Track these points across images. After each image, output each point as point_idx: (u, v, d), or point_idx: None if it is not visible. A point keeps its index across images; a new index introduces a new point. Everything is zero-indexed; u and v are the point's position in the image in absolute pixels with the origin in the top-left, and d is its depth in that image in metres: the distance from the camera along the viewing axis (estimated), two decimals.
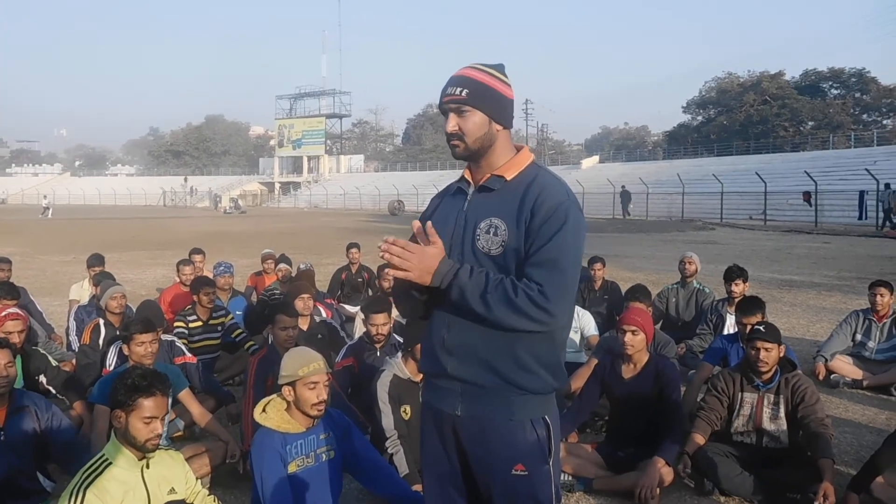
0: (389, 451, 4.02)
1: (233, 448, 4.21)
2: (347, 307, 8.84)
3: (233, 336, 6.68)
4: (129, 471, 2.84)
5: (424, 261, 2.00)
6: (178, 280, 8.02)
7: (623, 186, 41.18)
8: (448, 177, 65.04)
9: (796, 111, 59.29)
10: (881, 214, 27.46)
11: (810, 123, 59.96)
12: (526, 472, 2.10)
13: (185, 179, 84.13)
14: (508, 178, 2.14)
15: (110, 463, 2.83)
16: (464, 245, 2.13)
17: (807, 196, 30.87)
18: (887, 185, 26.96)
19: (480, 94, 2.10)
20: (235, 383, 6.37)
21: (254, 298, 8.70)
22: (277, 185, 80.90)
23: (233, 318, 6.91)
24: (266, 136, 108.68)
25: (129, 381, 2.87)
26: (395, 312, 6.32)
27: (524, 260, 2.04)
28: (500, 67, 2.18)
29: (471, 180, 2.23)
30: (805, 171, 32.03)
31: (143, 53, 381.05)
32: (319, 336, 6.14)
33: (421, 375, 4.09)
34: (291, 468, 3.27)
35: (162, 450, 2.98)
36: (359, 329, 6.48)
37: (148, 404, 2.82)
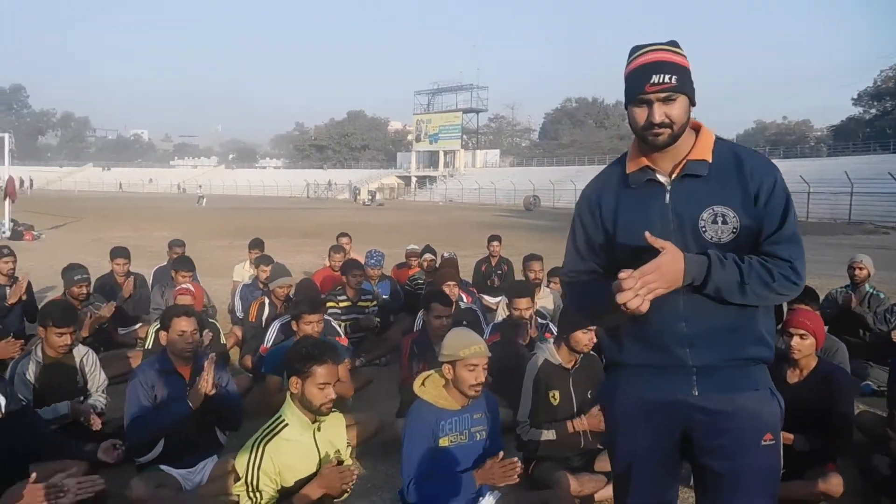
0: (519, 431, 4.13)
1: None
2: (487, 298, 8.99)
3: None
4: (302, 431, 3.10)
5: (667, 273, 1.97)
6: (327, 264, 8.52)
7: None
8: (586, 172, 63.84)
9: None
10: None
11: None
12: (773, 441, 2.15)
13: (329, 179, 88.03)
14: (711, 161, 2.12)
15: (286, 424, 3.10)
16: (685, 239, 2.09)
17: None
18: None
19: (686, 79, 2.08)
20: (381, 364, 6.69)
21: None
22: (414, 179, 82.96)
23: (376, 304, 7.26)
24: (404, 131, 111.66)
25: (303, 350, 3.12)
26: (538, 298, 6.42)
27: (763, 239, 2.07)
28: (677, 45, 2.15)
29: (657, 168, 2.17)
30: None
31: (289, 53, 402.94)
32: (464, 322, 6.29)
33: (573, 361, 4.13)
34: (443, 442, 3.41)
35: (332, 413, 3.21)
36: (500, 318, 6.60)
37: (321, 371, 3.05)
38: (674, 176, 2.15)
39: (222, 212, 39.84)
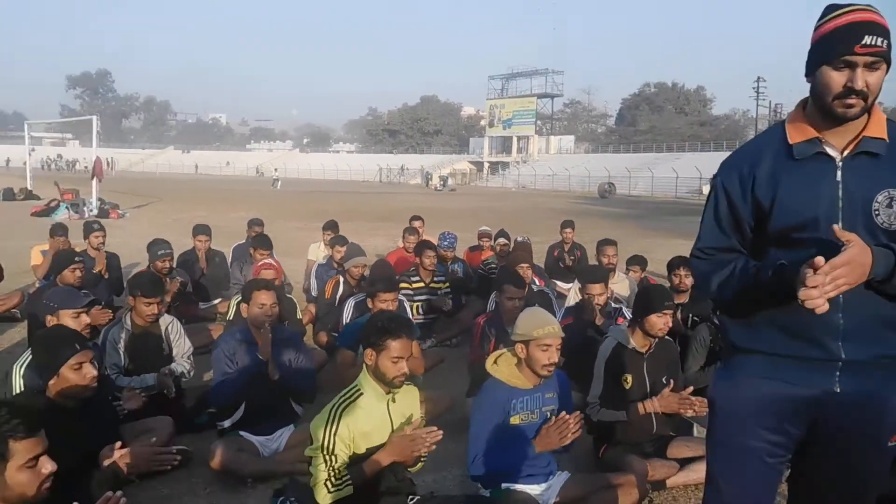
0: (588, 412, 4.12)
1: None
2: (560, 284, 8.97)
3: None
4: (377, 402, 3.21)
5: (856, 269, 1.83)
6: (401, 245, 8.67)
7: None
8: (664, 160, 62.49)
9: None
10: None
11: None
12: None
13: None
14: (888, 140, 1.99)
15: (362, 393, 3.22)
16: (853, 221, 1.96)
17: None
18: None
19: (891, 46, 1.93)
20: (452, 345, 6.79)
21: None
22: (486, 165, 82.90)
23: (448, 286, 7.35)
24: (477, 117, 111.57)
25: (379, 324, 3.22)
26: (613, 284, 6.39)
27: None
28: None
29: (827, 141, 2.02)
30: None
31: (364, 37, 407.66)
32: (536, 305, 6.34)
33: (647, 346, 4.11)
34: (514, 420, 3.47)
35: (406, 385, 3.31)
36: (572, 303, 6.59)
37: (395, 345, 3.14)
38: (846, 152, 2.00)
39: (297, 195, 40.85)
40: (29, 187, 28.41)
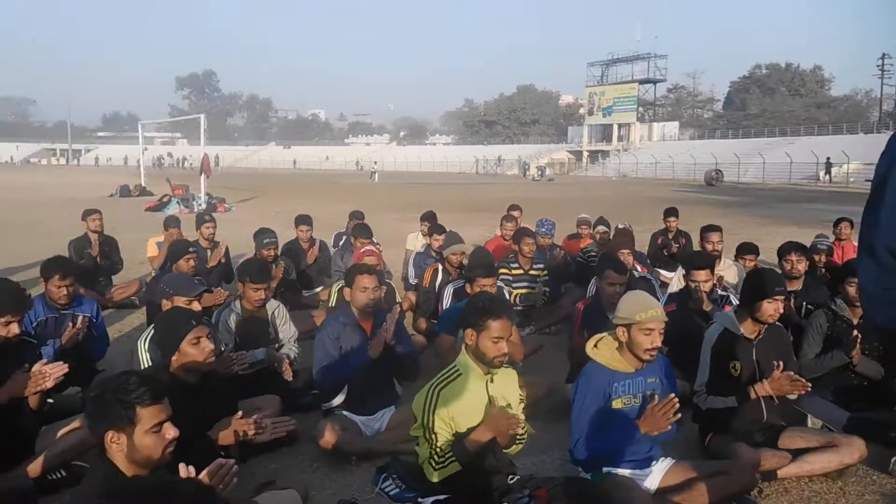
0: (696, 400, 4.06)
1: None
2: (663, 273, 8.78)
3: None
4: (475, 382, 3.29)
5: None
6: (499, 234, 8.74)
7: None
8: (777, 145, 59.64)
9: None
10: None
11: None
12: None
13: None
14: None
15: (460, 374, 3.30)
16: None
17: None
18: None
19: None
20: (552, 333, 6.79)
21: None
22: (585, 154, 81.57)
23: (547, 274, 7.34)
24: (575, 105, 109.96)
25: (480, 304, 3.29)
26: (720, 270, 6.22)
27: None
28: None
29: None
30: None
31: (458, 27, 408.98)
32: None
33: (756, 332, 3.99)
34: (616, 404, 3.46)
35: (505, 367, 3.36)
36: (675, 289, 6.46)
37: (496, 325, 3.20)
38: None
39: (394, 187, 41.62)
40: (143, 184, 30.31)
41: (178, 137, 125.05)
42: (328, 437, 4.04)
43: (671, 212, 9.67)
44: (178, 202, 22.74)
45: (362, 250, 6.28)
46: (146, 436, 2.37)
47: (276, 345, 4.96)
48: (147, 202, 23.95)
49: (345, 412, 4.32)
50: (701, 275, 5.19)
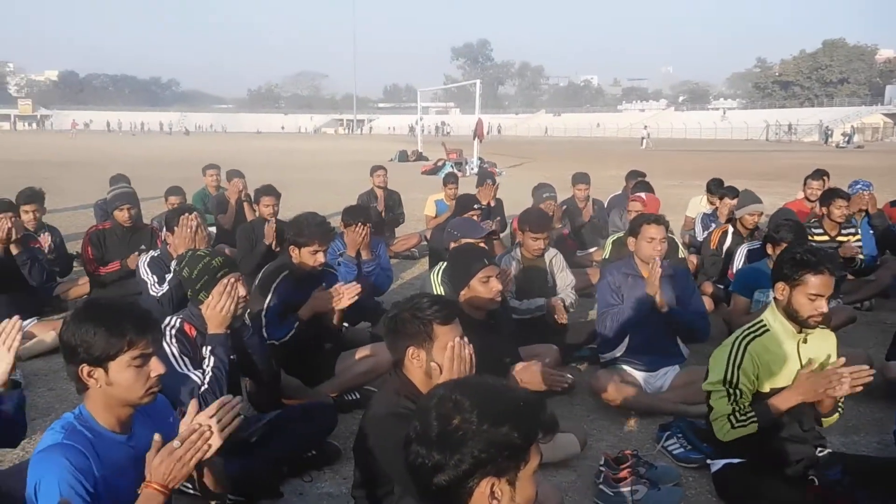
0: None
1: None
2: None
3: None
4: (786, 339, 3.06)
5: None
6: (800, 197, 8.13)
7: None
8: None
9: None
10: None
11: None
12: None
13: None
14: None
15: (768, 329, 3.09)
16: None
17: None
18: None
19: None
20: (863, 308, 6.16)
21: None
22: None
23: (860, 240, 6.60)
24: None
25: (798, 256, 3.01)
26: None
27: None
28: None
29: None
30: None
31: None
32: None
33: None
34: None
35: (821, 329, 3.09)
36: None
37: (815, 281, 2.93)
38: None
39: (670, 153, 40.06)
40: (419, 150, 32.53)
41: (451, 107, 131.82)
42: (611, 392, 4.04)
43: None
44: (451, 166, 24.05)
45: (632, 196, 6.19)
46: (443, 352, 2.51)
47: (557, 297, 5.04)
48: (423, 166, 25.63)
49: (624, 366, 4.29)
50: None
